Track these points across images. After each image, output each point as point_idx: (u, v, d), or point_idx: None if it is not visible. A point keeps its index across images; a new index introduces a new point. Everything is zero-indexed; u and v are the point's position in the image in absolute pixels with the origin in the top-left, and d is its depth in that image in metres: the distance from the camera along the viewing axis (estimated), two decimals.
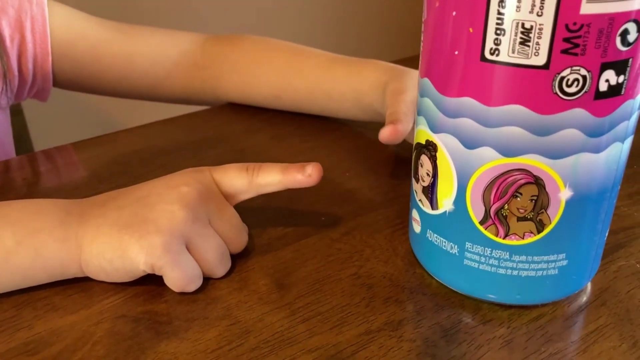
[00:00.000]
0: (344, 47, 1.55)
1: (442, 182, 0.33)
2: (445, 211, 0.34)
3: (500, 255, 0.33)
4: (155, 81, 0.60)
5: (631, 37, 0.27)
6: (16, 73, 0.57)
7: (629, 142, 0.32)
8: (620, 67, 0.28)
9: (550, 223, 0.32)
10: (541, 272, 0.33)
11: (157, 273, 0.35)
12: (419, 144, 0.35)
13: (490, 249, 0.33)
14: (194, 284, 0.36)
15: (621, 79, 0.28)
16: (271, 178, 0.38)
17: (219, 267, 0.37)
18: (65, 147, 0.55)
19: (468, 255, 0.34)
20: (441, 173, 0.33)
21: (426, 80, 0.33)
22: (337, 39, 1.60)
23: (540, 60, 0.28)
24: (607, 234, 0.35)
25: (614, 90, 0.29)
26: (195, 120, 0.59)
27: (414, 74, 0.49)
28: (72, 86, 0.61)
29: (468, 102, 0.30)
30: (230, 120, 0.59)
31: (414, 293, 0.37)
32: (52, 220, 0.35)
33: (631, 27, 0.27)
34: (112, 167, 0.51)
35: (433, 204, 0.35)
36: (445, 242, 0.35)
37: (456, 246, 0.34)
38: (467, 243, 0.34)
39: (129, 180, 0.48)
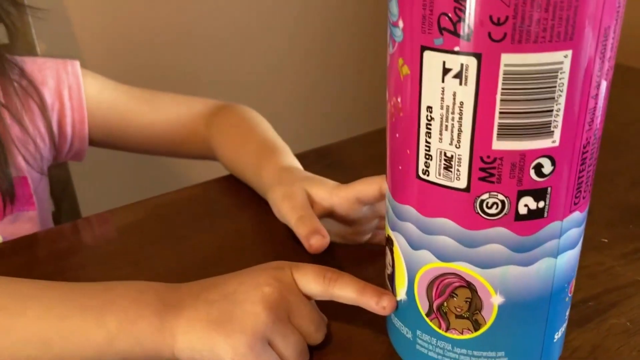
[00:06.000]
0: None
1: (397, 273, 0.38)
2: (401, 299, 0.38)
3: (444, 346, 0.36)
4: (173, 145, 0.71)
5: (546, 170, 0.30)
6: (57, 139, 0.65)
7: (566, 256, 0.34)
8: (538, 194, 0.31)
9: (486, 324, 0.35)
10: None
11: None
12: (387, 236, 0.39)
13: (435, 339, 0.37)
14: None
15: (541, 204, 0.31)
16: (346, 294, 0.40)
17: None
18: (101, 215, 0.61)
19: (419, 341, 0.38)
20: (397, 265, 0.37)
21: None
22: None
23: (462, 184, 0.31)
24: (561, 331, 0.37)
25: (535, 214, 0.32)
26: (207, 191, 0.65)
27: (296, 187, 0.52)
28: (101, 146, 0.72)
29: (409, 210, 0.34)
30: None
31: None
32: (151, 309, 0.39)
33: (544, 161, 0.30)
34: (154, 230, 0.57)
35: (393, 290, 0.39)
36: (402, 327, 0.39)
37: (410, 332, 0.38)
38: (417, 330, 0.37)
39: (171, 241, 0.55)
